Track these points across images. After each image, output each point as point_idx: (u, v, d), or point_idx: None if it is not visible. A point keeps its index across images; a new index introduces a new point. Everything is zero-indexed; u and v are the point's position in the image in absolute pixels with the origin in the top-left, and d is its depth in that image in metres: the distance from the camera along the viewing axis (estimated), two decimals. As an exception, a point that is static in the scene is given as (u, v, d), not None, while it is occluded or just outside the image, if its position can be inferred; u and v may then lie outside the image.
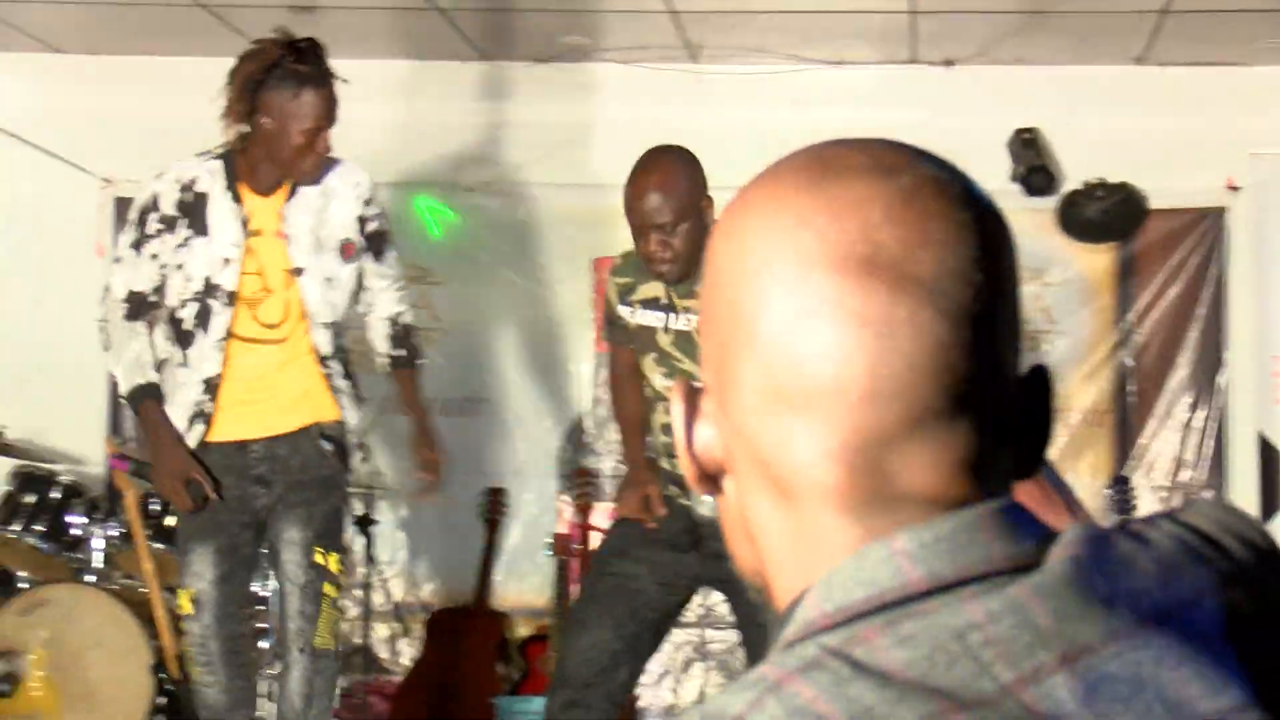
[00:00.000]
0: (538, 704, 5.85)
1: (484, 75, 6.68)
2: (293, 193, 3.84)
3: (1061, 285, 6.37)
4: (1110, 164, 6.30)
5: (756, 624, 3.91)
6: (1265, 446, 6.22)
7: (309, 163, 3.80)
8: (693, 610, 5.51)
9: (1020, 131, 6.30)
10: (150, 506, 5.19)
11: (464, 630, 6.20)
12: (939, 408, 0.83)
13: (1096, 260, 6.41)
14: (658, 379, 3.91)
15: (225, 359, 3.83)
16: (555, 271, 6.63)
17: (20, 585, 5.44)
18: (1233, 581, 0.84)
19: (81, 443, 6.25)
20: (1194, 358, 6.36)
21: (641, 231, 3.78)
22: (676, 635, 5.72)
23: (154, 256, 3.84)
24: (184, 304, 3.83)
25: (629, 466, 4.16)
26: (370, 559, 6.05)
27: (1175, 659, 0.79)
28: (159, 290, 3.85)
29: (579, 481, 6.38)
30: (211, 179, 3.84)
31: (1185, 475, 6.34)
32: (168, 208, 3.84)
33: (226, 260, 3.81)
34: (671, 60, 6.52)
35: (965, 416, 0.84)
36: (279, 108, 3.72)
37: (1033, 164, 6.24)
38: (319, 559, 3.87)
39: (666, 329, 3.90)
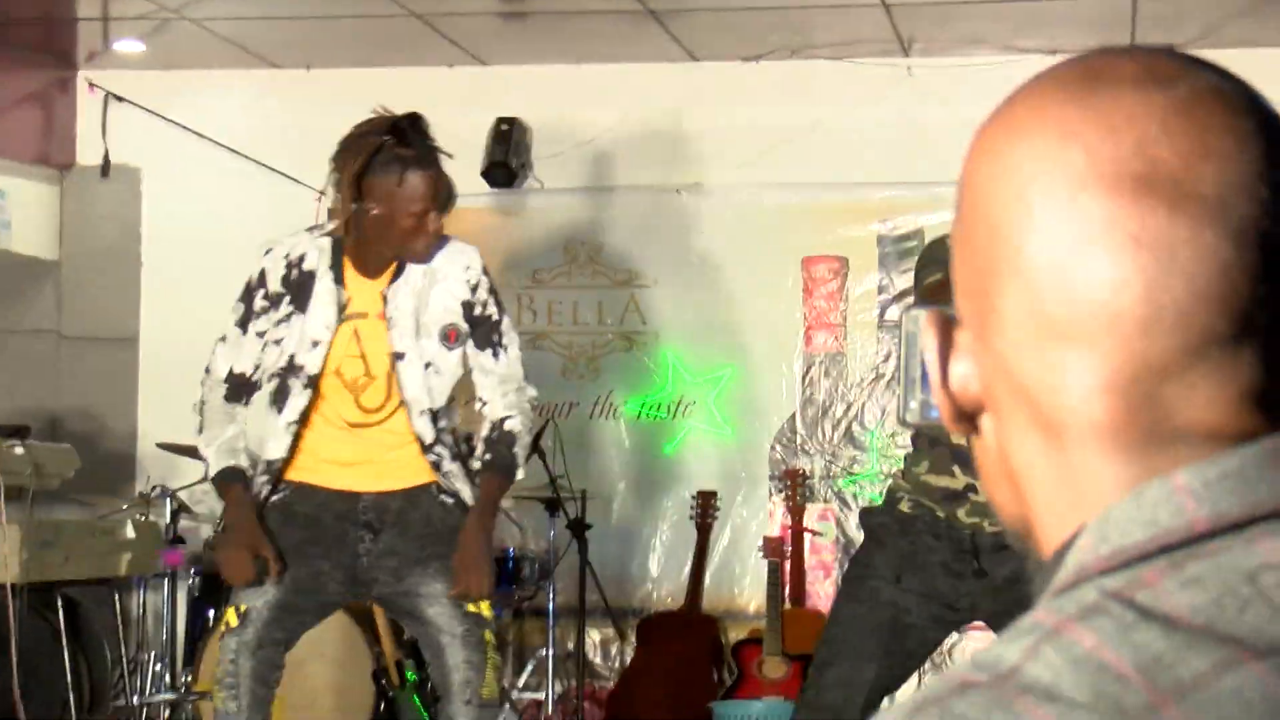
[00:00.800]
0: (754, 708, 5.82)
1: (694, 75, 6.65)
2: (397, 274, 3.74)
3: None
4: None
5: None
6: None
7: (420, 244, 3.70)
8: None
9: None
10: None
11: (677, 635, 6.16)
12: (1222, 335, 0.78)
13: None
14: None
15: (300, 438, 3.71)
16: (765, 272, 6.57)
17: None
18: None
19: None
20: None
21: None
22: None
23: (260, 335, 3.77)
24: (269, 378, 3.77)
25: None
26: (584, 563, 6.04)
27: None
28: (259, 368, 3.78)
29: (790, 483, 6.30)
30: (319, 257, 3.76)
31: None
32: (274, 284, 3.76)
33: (315, 342, 3.71)
34: (883, 55, 6.41)
35: (1250, 344, 0.78)
36: (385, 193, 3.63)
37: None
38: (472, 607, 3.72)
39: None
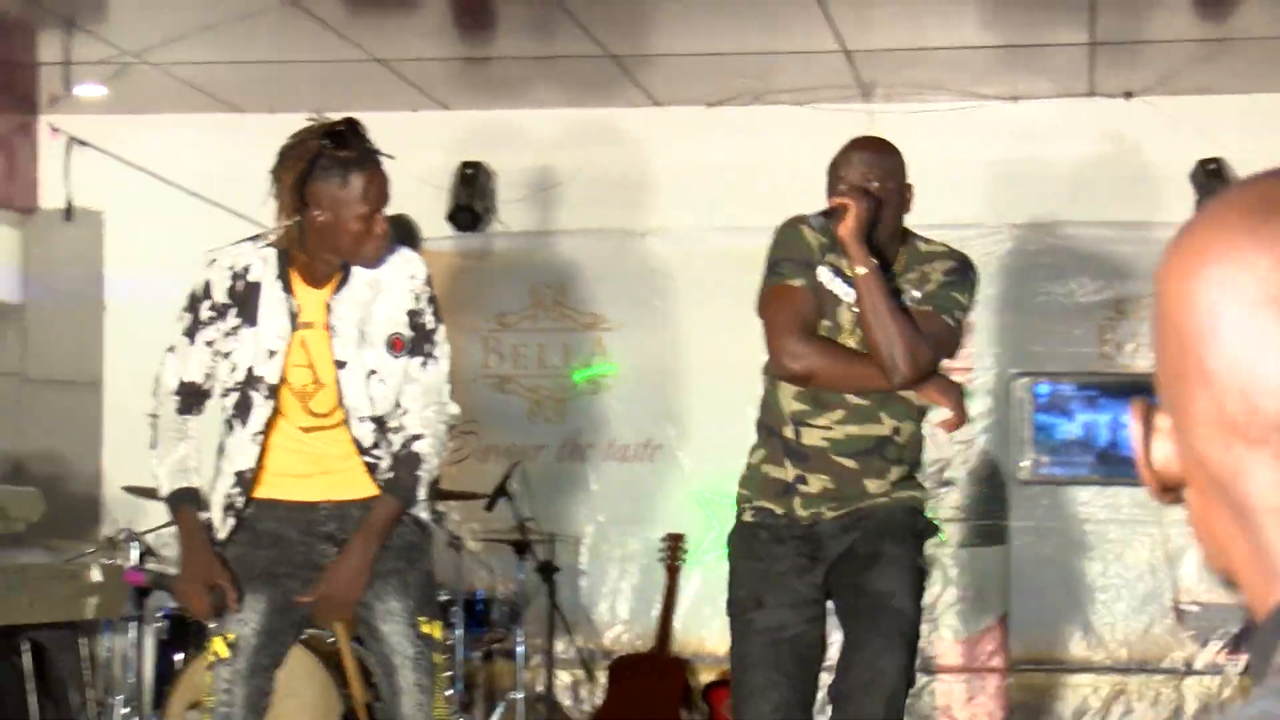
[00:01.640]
0: (727, 748, 5.82)
1: (657, 120, 6.71)
2: (342, 284, 3.71)
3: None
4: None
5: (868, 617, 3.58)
6: None
7: (369, 247, 3.68)
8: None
9: (1204, 162, 6.18)
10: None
11: (647, 676, 6.16)
12: None
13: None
14: None
15: (266, 449, 3.69)
16: (728, 313, 6.61)
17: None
18: None
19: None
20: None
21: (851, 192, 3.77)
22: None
23: (208, 344, 3.73)
24: (226, 393, 3.72)
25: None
26: (554, 605, 6.03)
27: None
28: (210, 377, 3.75)
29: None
30: (265, 268, 3.72)
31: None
32: (220, 295, 3.71)
33: (271, 352, 3.69)
34: (845, 100, 6.49)
35: None
36: (329, 198, 3.58)
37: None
38: (425, 628, 3.71)
39: (850, 307, 3.77)
